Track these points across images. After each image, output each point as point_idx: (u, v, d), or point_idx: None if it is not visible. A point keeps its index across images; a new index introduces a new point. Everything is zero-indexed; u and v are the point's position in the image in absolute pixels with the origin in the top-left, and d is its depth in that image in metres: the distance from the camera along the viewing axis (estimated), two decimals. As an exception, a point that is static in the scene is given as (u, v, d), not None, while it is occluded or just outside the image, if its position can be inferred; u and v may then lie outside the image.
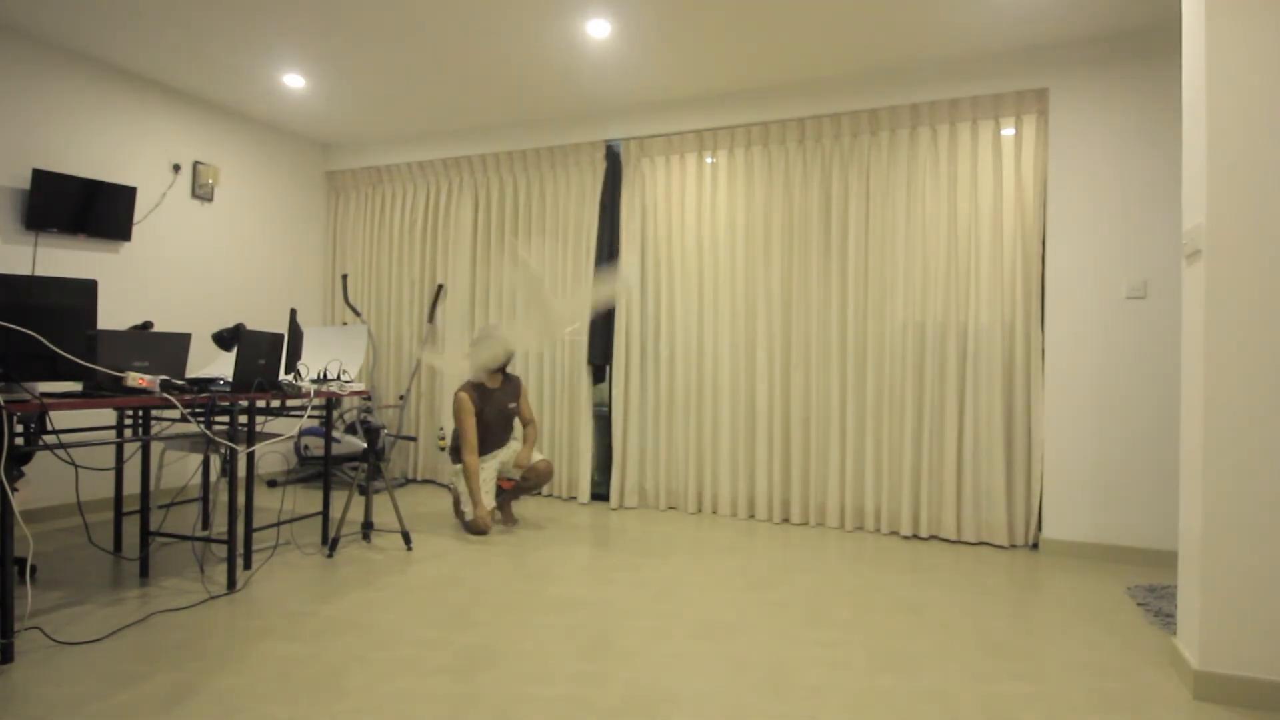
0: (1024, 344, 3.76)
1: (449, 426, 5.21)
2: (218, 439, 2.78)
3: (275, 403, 3.30)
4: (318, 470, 5.28)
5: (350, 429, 5.08)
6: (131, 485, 4.20)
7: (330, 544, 3.37)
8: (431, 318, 5.32)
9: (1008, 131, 3.83)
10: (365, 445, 3.55)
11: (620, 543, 3.73)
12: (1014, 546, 3.74)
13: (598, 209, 4.76)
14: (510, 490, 4.06)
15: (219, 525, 3.72)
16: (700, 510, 4.48)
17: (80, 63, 4.05)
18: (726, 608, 2.75)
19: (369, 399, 5.12)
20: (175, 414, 2.67)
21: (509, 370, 4.56)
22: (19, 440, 2.45)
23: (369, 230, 5.63)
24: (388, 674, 2.11)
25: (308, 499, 4.66)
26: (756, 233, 4.36)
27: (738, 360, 4.39)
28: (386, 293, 5.53)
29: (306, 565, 3.19)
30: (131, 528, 3.63)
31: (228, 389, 2.90)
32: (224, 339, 3.45)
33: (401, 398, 5.38)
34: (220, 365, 3.94)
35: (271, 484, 5.07)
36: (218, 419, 2.79)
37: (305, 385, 3.34)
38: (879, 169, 4.08)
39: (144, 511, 3.00)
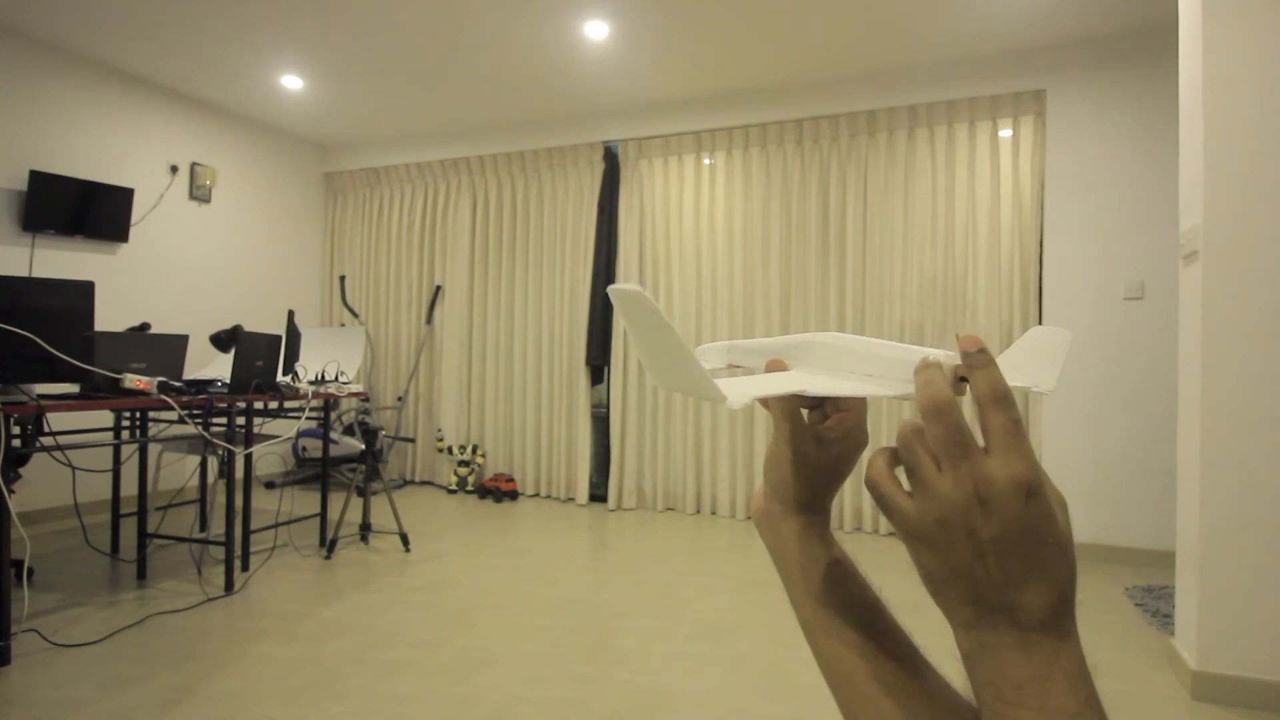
0: (1022, 345, 3.76)
1: (447, 427, 5.20)
2: (215, 441, 2.78)
3: (273, 404, 3.29)
4: (316, 472, 5.27)
5: (348, 430, 5.07)
6: (129, 487, 4.18)
7: (328, 546, 3.37)
8: (430, 319, 5.32)
9: (1005, 133, 3.84)
10: (363, 447, 3.54)
11: (618, 544, 3.73)
12: (1012, 547, 3.74)
13: (595, 210, 4.76)
14: None
15: (216, 527, 3.71)
16: (699, 511, 4.48)
17: (78, 64, 4.04)
18: (725, 609, 2.75)
19: (367, 400, 5.12)
20: (173, 415, 2.67)
21: None
22: (16, 442, 2.44)
23: (367, 231, 5.62)
24: (385, 675, 2.11)
25: (305, 500, 4.65)
26: (755, 234, 4.36)
27: (736, 361, 4.38)
28: (384, 294, 5.53)
29: (304, 567, 3.19)
30: (129, 530, 3.61)
31: (225, 390, 2.90)
32: (222, 340, 3.44)
33: (400, 399, 5.38)
34: (218, 367, 3.93)
35: (269, 485, 5.06)
36: (215, 420, 2.78)
37: (303, 387, 3.34)
38: (877, 170, 4.09)
39: (141, 513, 3.00)
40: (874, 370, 0.39)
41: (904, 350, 0.37)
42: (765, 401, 0.44)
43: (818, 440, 0.44)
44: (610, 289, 0.38)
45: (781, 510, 0.45)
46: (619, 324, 4.63)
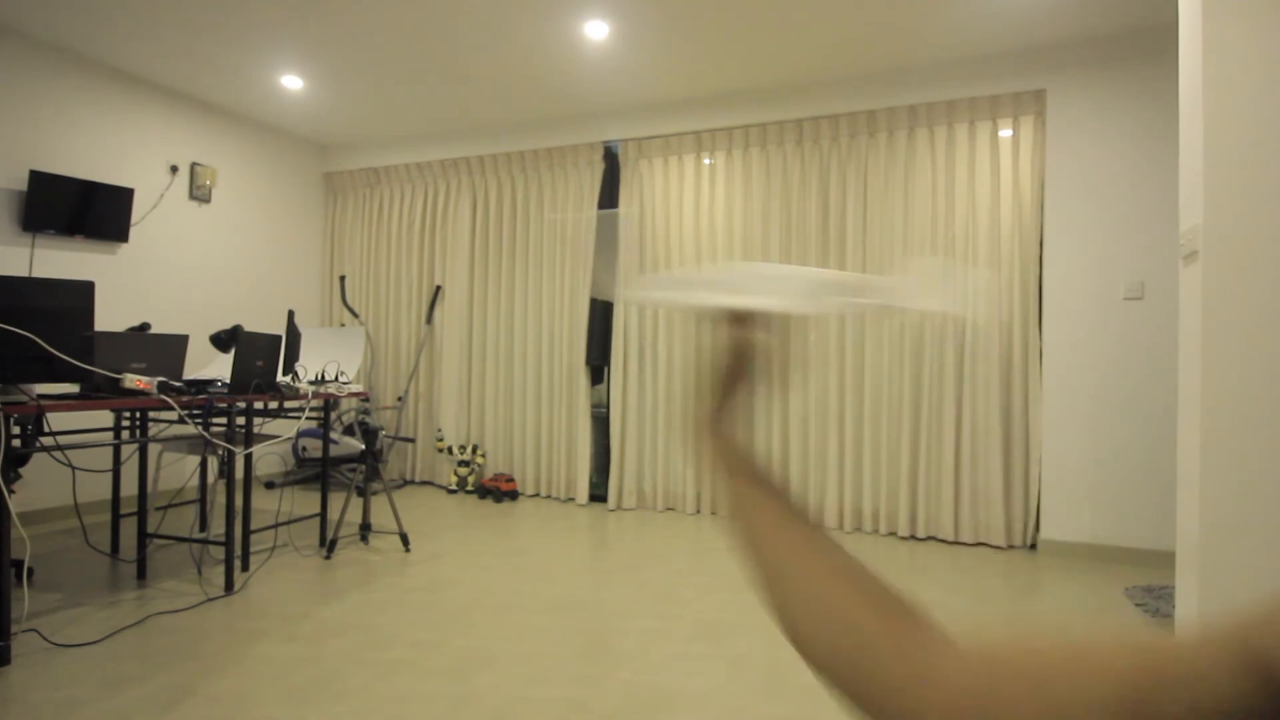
0: (1022, 345, 3.76)
1: (447, 427, 5.20)
2: (215, 441, 2.78)
3: (273, 404, 3.29)
4: (315, 472, 5.27)
5: (348, 430, 5.07)
6: (129, 487, 4.19)
7: (328, 546, 3.37)
8: (430, 319, 5.32)
9: (1005, 133, 3.84)
10: (363, 446, 3.54)
11: (618, 544, 3.73)
12: (1012, 547, 3.74)
13: (596, 210, 4.76)
14: None
15: (216, 527, 3.71)
16: (699, 511, 4.48)
17: (78, 64, 4.04)
18: (725, 609, 2.75)
19: (367, 400, 5.12)
20: (173, 415, 2.67)
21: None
22: (16, 442, 2.44)
23: (367, 231, 5.62)
24: (386, 675, 2.11)
25: (305, 500, 4.65)
26: (755, 234, 4.36)
27: (736, 361, 4.38)
28: (384, 294, 5.53)
29: (304, 567, 3.19)
30: (129, 530, 3.62)
31: (225, 390, 2.90)
32: (222, 340, 3.44)
33: (400, 399, 5.38)
34: (218, 367, 3.93)
35: (269, 485, 5.06)
36: (215, 420, 2.78)
37: (303, 387, 3.34)
38: (877, 170, 4.09)
39: (141, 513, 3.00)
40: (783, 290, 0.45)
41: (807, 271, 0.45)
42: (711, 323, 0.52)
43: (726, 353, 0.51)
44: (600, 212, 0.44)
45: (703, 412, 0.52)
46: (619, 324, 4.63)
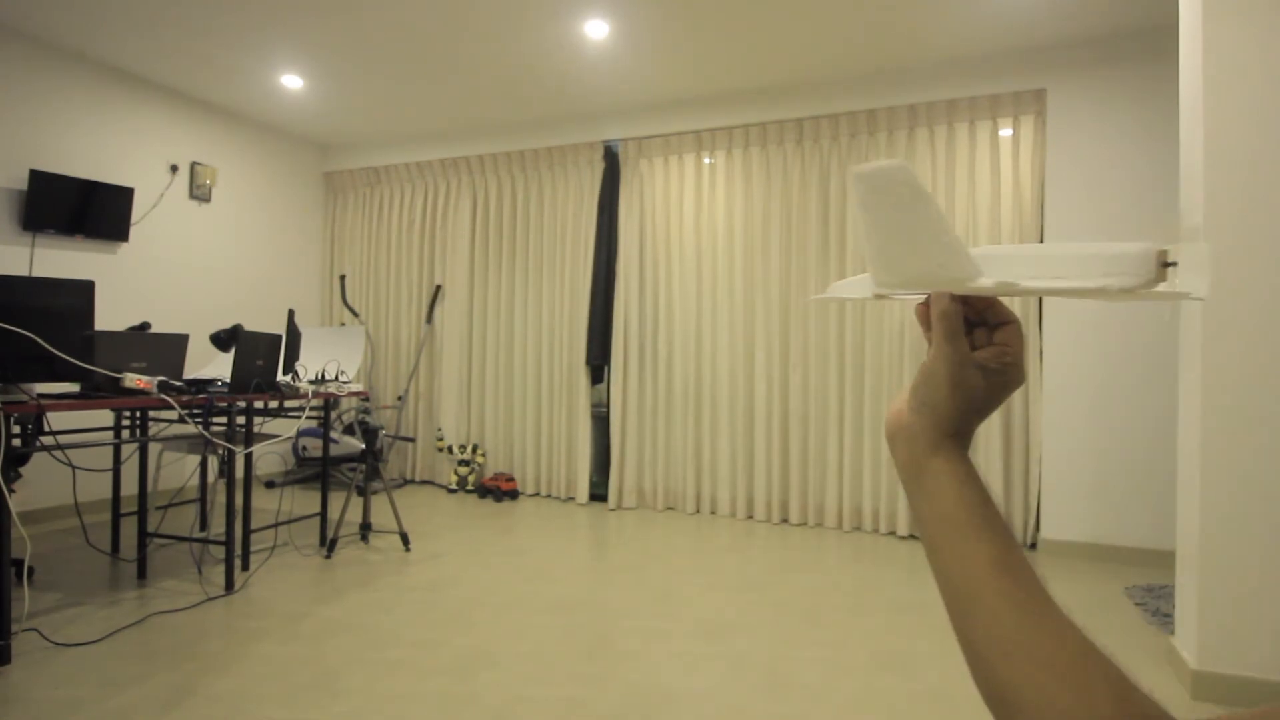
0: (1022, 344, 3.76)
1: (447, 427, 5.20)
2: (215, 440, 2.78)
3: (273, 404, 3.29)
4: (316, 471, 5.27)
5: (348, 430, 5.07)
6: (129, 486, 4.18)
7: (328, 545, 3.37)
8: (430, 318, 5.32)
9: (1005, 132, 3.84)
10: (363, 446, 3.54)
11: (618, 543, 3.73)
12: (1012, 547, 3.74)
13: (596, 210, 4.75)
14: None
15: (217, 526, 3.71)
16: (699, 511, 4.48)
17: (78, 63, 4.04)
18: (725, 608, 2.75)
19: (367, 400, 5.12)
20: (173, 415, 2.67)
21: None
22: (16, 442, 2.44)
23: (367, 231, 5.62)
24: (386, 675, 2.11)
25: (306, 500, 4.65)
26: (755, 233, 4.36)
27: (736, 360, 4.38)
28: (384, 293, 5.53)
29: (304, 566, 3.19)
30: (129, 529, 3.61)
31: (225, 390, 2.90)
32: (222, 340, 3.44)
33: (400, 398, 5.38)
34: (218, 366, 3.93)
35: (269, 485, 5.06)
36: (215, 420, 2.78)
37: (303, 386, 3.34)
38: (877, 170, 4.08)
39: (141, 513, 3.00)
40: (1058, 271, 0.40)
41: (1083, 247, 0.39)
42: (925, 321, 0.48)
43: (978, 368, 0.46)
44: (858, 170, 0.41)
45: (924, 427, 0.47)
46: (619, 323, 4.63)
